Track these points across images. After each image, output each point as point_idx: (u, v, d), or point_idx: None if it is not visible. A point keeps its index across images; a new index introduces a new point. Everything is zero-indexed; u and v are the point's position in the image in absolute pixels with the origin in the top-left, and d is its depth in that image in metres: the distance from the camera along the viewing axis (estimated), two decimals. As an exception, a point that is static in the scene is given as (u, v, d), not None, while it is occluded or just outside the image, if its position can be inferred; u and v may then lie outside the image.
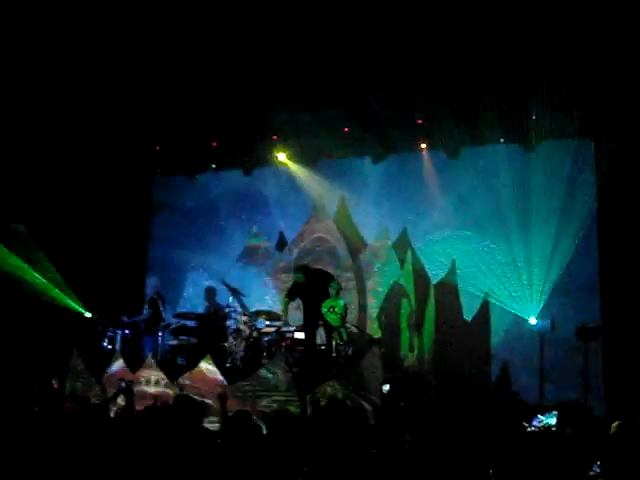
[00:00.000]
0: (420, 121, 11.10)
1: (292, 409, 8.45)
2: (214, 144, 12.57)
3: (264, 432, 6.09)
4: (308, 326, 10.01)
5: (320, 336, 10.04)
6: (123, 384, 7.77)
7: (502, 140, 10.92)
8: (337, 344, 9.79)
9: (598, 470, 4.68)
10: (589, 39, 8.82)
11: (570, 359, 10.21)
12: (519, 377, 10.48)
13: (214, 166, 13.02)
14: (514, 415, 7.17)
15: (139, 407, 7.45)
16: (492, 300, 10.84)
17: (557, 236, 10.33)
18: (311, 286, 10.01)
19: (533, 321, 10.37)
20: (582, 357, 10.11)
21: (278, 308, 11.64)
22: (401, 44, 9.44)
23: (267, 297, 12.17)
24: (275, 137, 12.16)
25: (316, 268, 10.72)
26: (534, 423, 7.40)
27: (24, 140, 11.50)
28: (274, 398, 8.73)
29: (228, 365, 9.92)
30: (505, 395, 7.13)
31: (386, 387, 8.77)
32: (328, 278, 10.20)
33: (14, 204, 11.74)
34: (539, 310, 10.39)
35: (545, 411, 7.56)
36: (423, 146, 11.55)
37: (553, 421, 7.25)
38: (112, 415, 7.99)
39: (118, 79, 10.81)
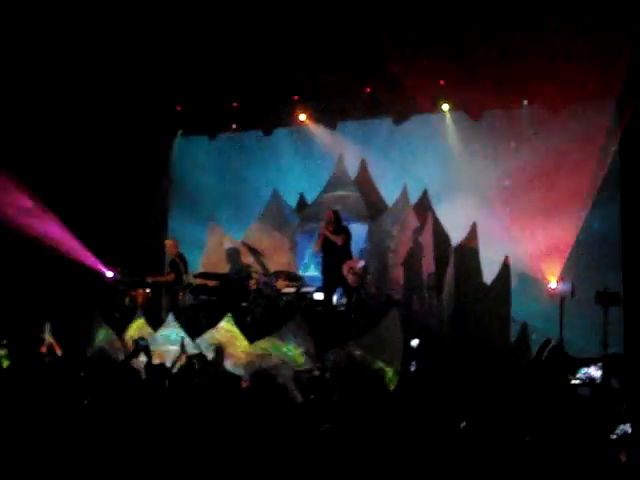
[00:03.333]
0: (443, 82, 10.98)
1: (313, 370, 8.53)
2: (235, 104, 12.51)
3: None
4: (327, 286, 10.05)
5: (339, 297, 10.09)
6: (142, 342, 7.86)
7: (525, 102, 10.81)
8: (356, 305, 9.83)
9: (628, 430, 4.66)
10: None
11: (590, 324, 10.14)
12: (539, 341, 10.46)
13: (235, 126, 12.96)
14: (558, 367, 7.16)
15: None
16: (512, 264, 10.78)
17: (578, 199, 10.26)
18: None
19: (553, 285, 10.32)
20: (602, 322, 10.04)
21: (297, 269, 11.76)
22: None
23: (286, 258, 12.20)
24: (296, 97, 12.08)
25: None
26: (578, 375, 7.38)
27: (45, 101, 11.52)
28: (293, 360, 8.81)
29: (248, 324, 9.99)
30: (549, 346, 7.10)
31: (415, 342, 8.79)
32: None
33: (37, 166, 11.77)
34: (559, 274, 10.33)
35: (590, 363, 7.53)
36: (445, 107, 11.42)
37: (598, 374, 7.23)
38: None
39: (139, 39, 10.78)
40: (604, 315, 9.97)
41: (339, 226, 10.41)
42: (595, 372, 7.47)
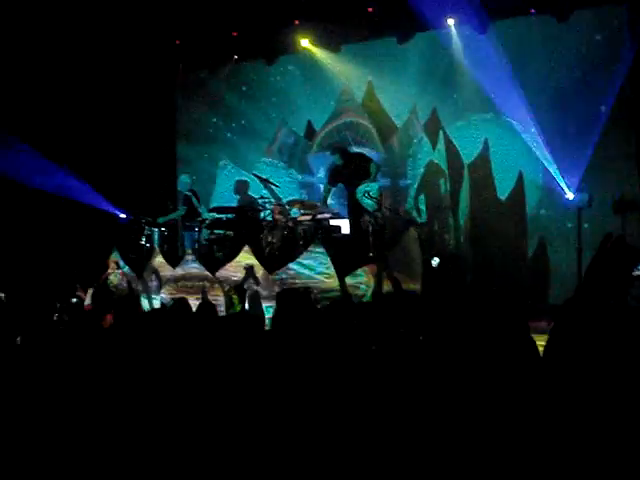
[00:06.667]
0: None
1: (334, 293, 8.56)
2: (234, 34, 12.25)
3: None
4: (351, 212, 10.05)
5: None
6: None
7: (533, 11, 10.53)
8: (374, 228, 9.78)
9: None
10: None
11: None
12: (557, 253, 10.46)
13: (236, 57, 12.73)
14: (622, 260, 7.07)
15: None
16: (526, 177, 10.67)
17: (590, 109, 10.04)
18: (350, 170, 9.97)
19: (570, 196, 10.20)
20: (621, 230, 9.93)
21: (311, 197, 11.71)
22: None
23: (299, 186, 12.15)
24: (297, 22, 11.80)
25: (354, 152, 10.66)
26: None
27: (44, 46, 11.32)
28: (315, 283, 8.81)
29: (266, 256, 9.97)
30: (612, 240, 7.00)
31: (435, 261, 8.75)
32: (366, 160, 10.18)
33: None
34: (576, 185, 10.19)
35: None
36: (450, 22, 11.10)
37: None
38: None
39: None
40: (622, 225, 9.86)
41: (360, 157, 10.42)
42: None
